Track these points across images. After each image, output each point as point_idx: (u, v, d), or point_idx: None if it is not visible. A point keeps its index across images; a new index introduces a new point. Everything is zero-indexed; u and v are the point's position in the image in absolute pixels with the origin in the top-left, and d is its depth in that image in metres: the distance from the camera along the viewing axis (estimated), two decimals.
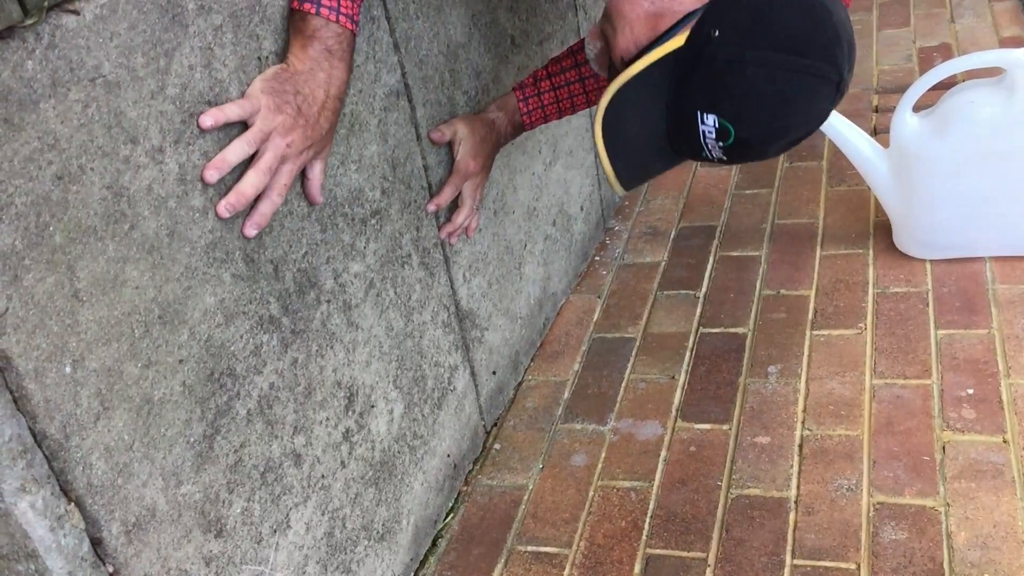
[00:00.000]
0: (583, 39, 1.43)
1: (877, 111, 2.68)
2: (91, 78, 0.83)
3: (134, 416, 0.91)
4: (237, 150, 0.99)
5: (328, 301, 1.23)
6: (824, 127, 1.99)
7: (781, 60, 1.01)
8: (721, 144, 1.07)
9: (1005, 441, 1.55)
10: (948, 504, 1.47)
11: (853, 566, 1.40)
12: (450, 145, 1.47)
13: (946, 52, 2.91)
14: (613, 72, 1.17)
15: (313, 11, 1.05)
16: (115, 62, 0.86)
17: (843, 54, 1.03)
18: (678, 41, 1.06)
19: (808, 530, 1.47)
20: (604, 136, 1.13)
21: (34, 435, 0.81)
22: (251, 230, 1.04)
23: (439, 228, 1.51)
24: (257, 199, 1.04)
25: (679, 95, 1.07)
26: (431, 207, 1.46)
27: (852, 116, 2.09)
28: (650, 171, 1.23)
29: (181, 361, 0.97)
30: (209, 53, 0.98)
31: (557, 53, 1.70)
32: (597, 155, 1.18)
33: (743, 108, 1.04)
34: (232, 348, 1.05)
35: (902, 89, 1.97)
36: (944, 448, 1.57)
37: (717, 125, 1.04)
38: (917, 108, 1.90)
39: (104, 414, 0.87)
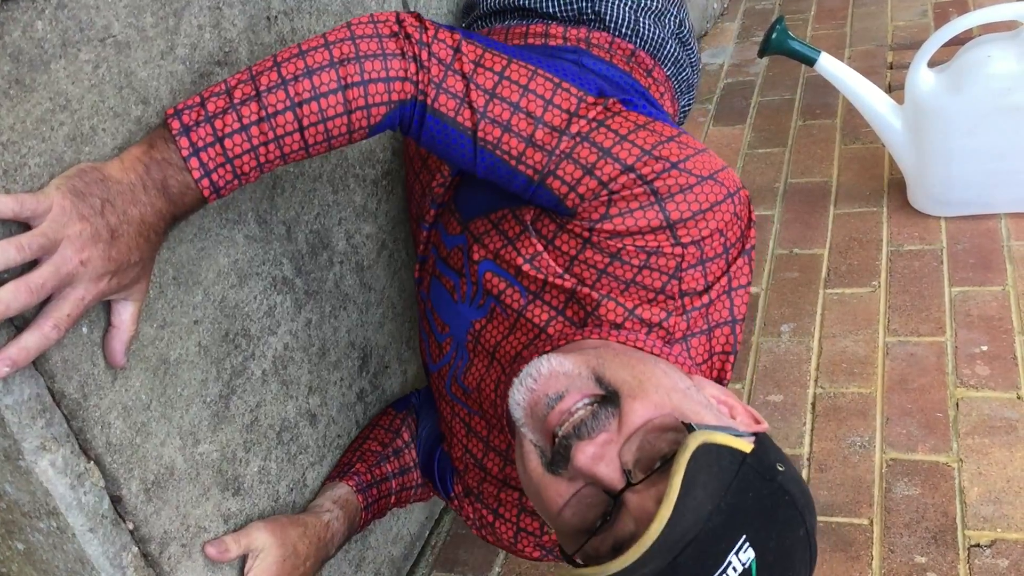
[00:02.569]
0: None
1: (892, 67, 2.65)
2: (101, 38, 0.83)
3: (151, 376, 0.92)
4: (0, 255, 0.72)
5: (341, 262, 1.24)
6: (838, 84, 1.97)
7: (814, 540, 0.85)
8: None
9: (1019, 397, 1.55)
10: (961, 460, 1.47)
11: (866, 521, 1.41)
12: (244, 560, 1.06)
13: (962, 7, 2.87)
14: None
15: (184, 145, 0.84)
16: (124, 22, 0.85)
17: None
18: (744, 445, 0.82)
19: (821, 487, 1.48)
20: (682, 487, 0.78)
21: (52, 395, 0.82)
22: (0, 368, 0.74)
23: None
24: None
25: (737, 505, 0.79)
26: None
27: (867, 73, 2.06)
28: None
29: (196, 322, 0.98)
30: (218, 13, 0.98)
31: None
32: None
33: (784, 560, 0.81)
34: (246, 309, 1.05)
35: (917, 45, 1.94)
36: (957, 404, 1.57)
37: (747, 567, 0.78)
38: (932, 64, 1.88)
39: (121, 374, 0.88)
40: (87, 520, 0.86)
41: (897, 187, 2.13)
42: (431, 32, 0.95)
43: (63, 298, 0.76)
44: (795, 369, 1.72)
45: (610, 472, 0.83)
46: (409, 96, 0.94)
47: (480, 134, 0.96)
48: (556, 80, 0.97)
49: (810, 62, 1.97)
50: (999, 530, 1.35)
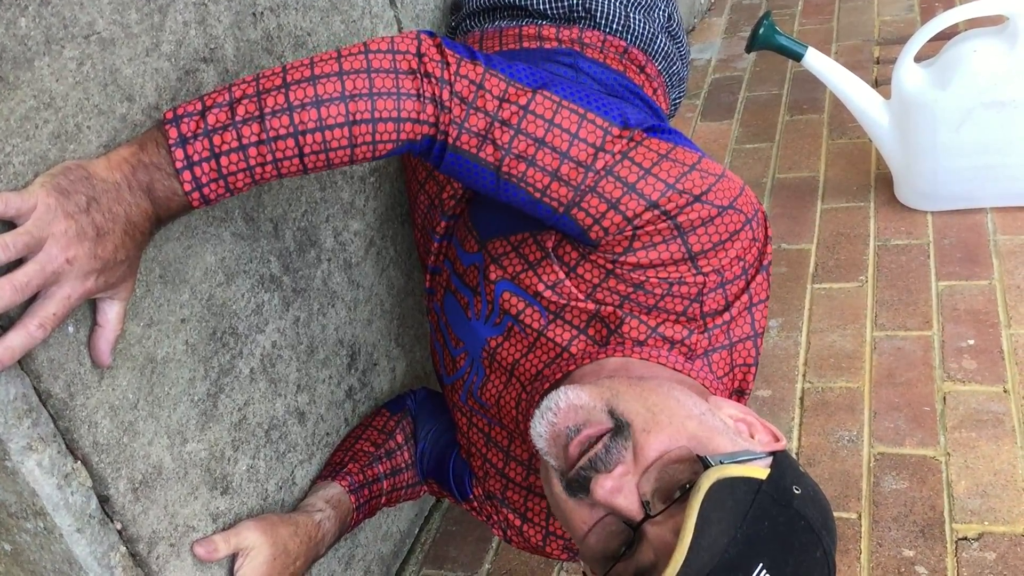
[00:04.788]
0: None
1: (879, 62, 2.66)
2: (85, 35, 0.82)
3: (138, 375, 0.91)
4: None
5: (328, 260, 1.23)
6: (825, 79, 1.97)
7: (832, 559, 0.85)
8: None
9: (1005, 391, 1.56)
10: (948, 454, 1.48)
11: (854, 515, 1.42)
12: (234, 559, 1.06)
13: (948, 1, 2.88)
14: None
15: (179, 157, 0.84)
16: (109, 19, 0.85)
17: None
18: (759, 472, 0.83)
19: None
20: (696, 526, 0.79)
21: (39, 394, 0.81)
22: None
23: None
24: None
25: (753, 535, 0.79)
26: None
27: (853, 67, 2.07)
28: None
29: (183, 320, 0.97)
30: (203, 9, 0.97)
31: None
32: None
33: None
34: (234, 307, 1.05)
35: (904, 40, 1.95)
36: (945, 398, 1.58)
37: None
38: (919, 58, 1.88)
39: (108, 373, 0.87)
40: (74, 520, 0.85)
41: (884, 182, 2.14)
42: (453, 68, 0.93)
43: (49, 297, 0.76)
44: (783, 364, 1.73)
45: (628, 504, 0.84)
46: (420, 136, 0.93)
47: (504, 169, 0.95)
48: (581, 111, 0.95)
49: (797, 57, 1.97)
50: (986, 523, 1.36)
